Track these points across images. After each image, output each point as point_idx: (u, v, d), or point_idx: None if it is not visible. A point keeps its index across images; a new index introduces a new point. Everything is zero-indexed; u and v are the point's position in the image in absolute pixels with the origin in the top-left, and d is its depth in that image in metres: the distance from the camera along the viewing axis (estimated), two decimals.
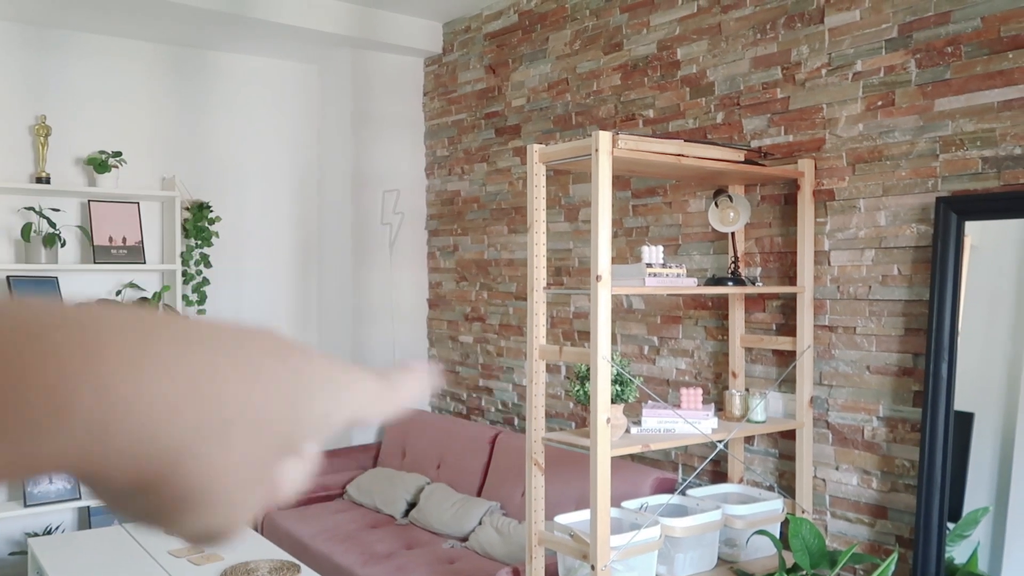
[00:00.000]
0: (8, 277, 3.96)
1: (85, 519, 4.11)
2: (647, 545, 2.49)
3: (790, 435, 2.94)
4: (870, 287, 2.75)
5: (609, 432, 2.36)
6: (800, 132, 2.94)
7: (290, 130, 4.82)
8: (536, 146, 2.58)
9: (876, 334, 2.74)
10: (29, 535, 3.91)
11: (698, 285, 2.75)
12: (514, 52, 4.19)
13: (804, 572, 2.42)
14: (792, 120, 2.97)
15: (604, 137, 2.35)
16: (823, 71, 2.87)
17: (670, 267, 2.61)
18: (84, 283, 4.21)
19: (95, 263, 4.10)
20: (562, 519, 2.57)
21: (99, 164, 4.11)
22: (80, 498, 3.99)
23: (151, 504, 0.29)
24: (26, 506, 3.86)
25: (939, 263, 2.50)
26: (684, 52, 3.35)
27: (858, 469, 2.78)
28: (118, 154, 4.17)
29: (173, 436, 0.27)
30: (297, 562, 2.95)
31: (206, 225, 4.44)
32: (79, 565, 2.97)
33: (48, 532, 4.03)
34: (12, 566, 3.97)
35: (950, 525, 2.50)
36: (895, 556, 2.48)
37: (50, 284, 4.06)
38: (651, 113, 3.48)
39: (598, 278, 2.35)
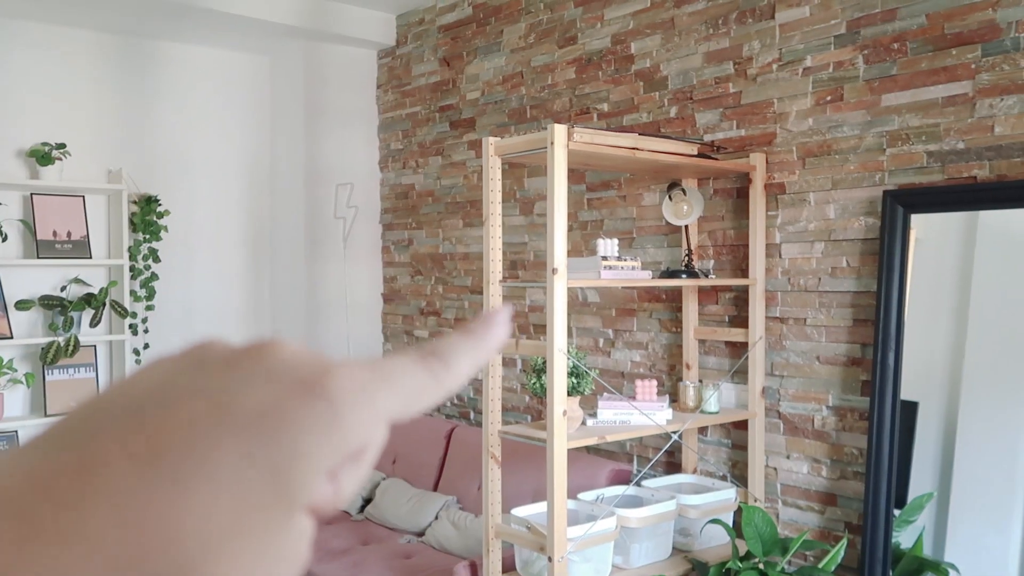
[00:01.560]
0: None
1: None
2: (603, 536, 2.51)
3: (743, 425, 2.99)
4: (820, 279, 2.80)
5: (565, 424, 2.37)
6: (752, 126, 2.98)
7: (241, 123, 4.75)
8: (492, 139, 2.57)
9: (826, 325, 2.79)
10: None
11: (652, 278, 2.78)
12: (468, 45, 4.17)
13: (757, 559, 2.46)
14: (744, 114, 3.01)
15: (560, 130, 2.36)
16: (774, 66, 2.91)
17: (625, 260, 2.62)
18: (27, 279, 4.09)
19: (39, 258, 3.99)
20: (519, 512, 2.58)
21: (42, 156, 4.00)
22: None
23: None
24: None
25: (886, 255, 2.56)
26: (638, 46, 3.37)
27: (808, 458, 2.83)
28: (62, 146, 4.06)
29: None
30: None
31: (154, 219, 4.35)
32: None
33: None
34: None
35: (896, 511, 2.56)
36: (844, 542, 2.54)
37: None
38: (605, 107, 3.50)
39: (554, 271, 2.36)
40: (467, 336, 0.32)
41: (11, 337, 3.90)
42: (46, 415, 3.97)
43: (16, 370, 3.98)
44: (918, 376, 2.58)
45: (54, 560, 0.22)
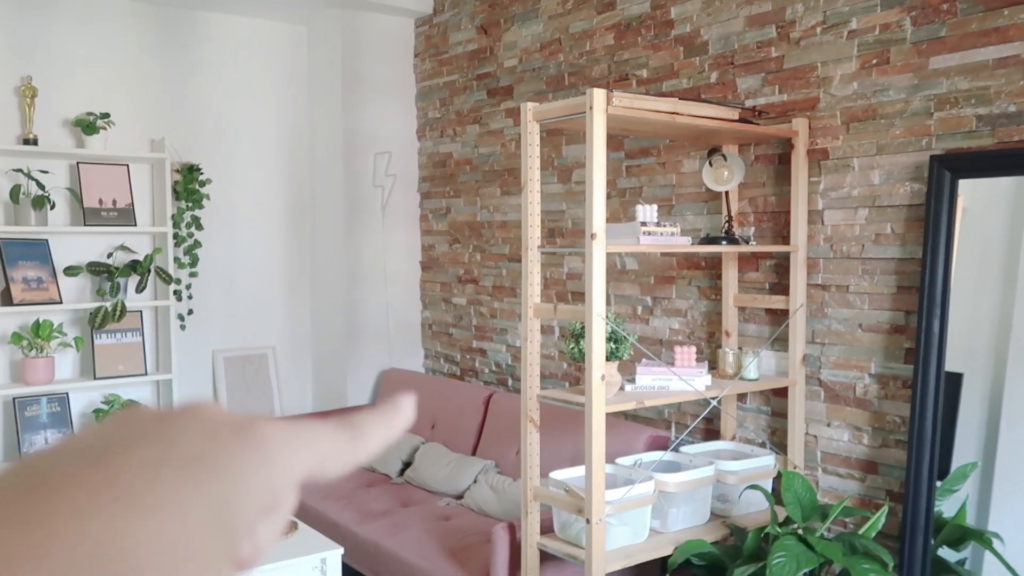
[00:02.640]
0: None
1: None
2: (641, 500, 2.52)
3: (782, 392, 2.97)
4: (863, 246, 2.77)
5: (604, 388, 2.38)
6: (794, 91, 2.94)
7: (280, 92, 4.78)
8: (530, 104, 2.56)
9: (868, 292, 2.76)
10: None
11: (692, 244, 2.76)
12: (506, 12, 4.15)
13: (796, 525, 2.46)
14: (786, 79, 2.96)
15: (599, 95, 2.34)
16: (818, 29, 2.86)
17: (664, 226, 2.61)
18: (75, 245, 4.18)
19: (86, 225, 4.07)
20: (557, 475, 2.60)
21: (87, 126, 4.07)
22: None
23: None
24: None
25: (932, 221, 2.52)
26: (678, 11, 3.32)
27: (849, 425, 2.81)
28: (106, 116, 4.13)
29: None
30: (294, 519, 2.98)
31: (196, 187, 4.41)
32: None
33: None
34: None
35: (938, 482, 2.54)
36: (885, 509, 2.53)
37: (41, 246, 4.03)
38: (645, 73, 3.47)
39: (593, 235, 2.36)
40: (379, 416, 0.35)
41: (60, 302, 3.99)
42: (95, 378, 4.07)
43: (66, 334, 4.09)
44: (963, 347, 2.54)
45: (20, 570, 0.24)
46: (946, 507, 2.55)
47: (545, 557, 2.68)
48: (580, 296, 3.77)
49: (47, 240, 4.06)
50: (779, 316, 3.00)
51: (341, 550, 2.75)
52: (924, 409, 2.49)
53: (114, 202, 4.17)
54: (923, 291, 2.52)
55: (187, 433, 0.30)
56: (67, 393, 4.08)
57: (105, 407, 4.11)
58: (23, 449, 3.90)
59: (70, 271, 4.06)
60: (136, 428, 0.30)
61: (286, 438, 0.31)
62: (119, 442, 0.29)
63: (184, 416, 0.31)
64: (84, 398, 4.22)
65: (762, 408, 3.09)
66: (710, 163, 2.97)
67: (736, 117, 2.76)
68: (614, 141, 3.56)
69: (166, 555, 0.27)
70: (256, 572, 2.57)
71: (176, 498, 0.27)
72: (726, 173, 2.93)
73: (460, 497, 3.58)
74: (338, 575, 2.74)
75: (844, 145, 2.81)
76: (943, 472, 2.53)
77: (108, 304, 4.04)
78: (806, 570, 2.24)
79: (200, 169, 4.44)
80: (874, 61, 2.71)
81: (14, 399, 3.96)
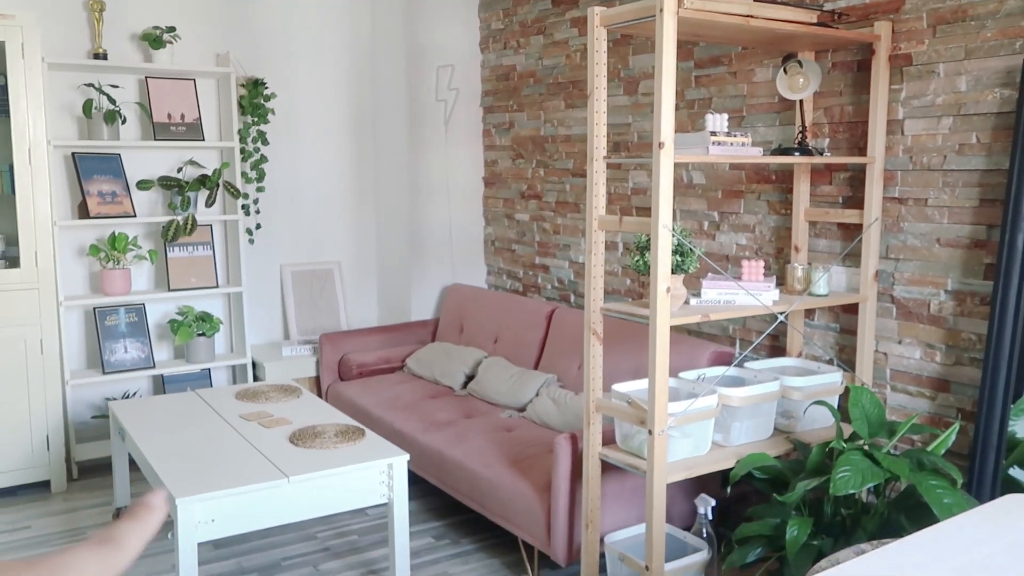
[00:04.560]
0: (74, 153, 4.03)
1: (160, 385, 4.30)
2: (704, 413, 2.52)
3: (852, 309, 2.90)
4: (945, 156, 2.64)
5: (668, 301, 2.35)
6: None
7: (341, 4, 4.72)
8: (597, 8, 2.48)
9: (949, 206, 2.64)
10: (109, 400, 4.12)
11: (763, 155, 2.68)
12: None
13: (862, 441, 2.43)
14: None
15: None
16: None
17: (735, 135, 2.53)
18: (146, 160, 4.26)
19: (156, 139, 4.14)
20: (620, 387, 2.60)
21: (153, 40, 4.09)
22: (154, 366, 4.17)
23: None
24: (104, 373, 4.05)
25: (1022, 129, 2.38)
26: None
27: (922, 343, 2.74)
28: (172, 29, 4.14)
29: None
30: (362, 427, 3.06)
31: (261, 102, 4.43)
32: (156, 425, 3.13)
33: (126, 397, 4.24)
34: (95, 427, 4.21)
35: (1012, 403, 2.46)
36: (956, 427, 2.47)
37: (114, 160, 4.12)
38: None
39: (660, 145, 2.30)
40: (133, 520, 0.37)
41: (134, 216, 4.10)
42: (169, 290, 4.20)
43: (140, 247, 4.21)
44: None
45: None
46: (1019, 427, 2.48)
47: (606, 467, 2.71)
48: (645, 211, 3.71)
49: (119, 155, 4.14)
50: (851, 231, 2.91)
51: (407, 456, 2.82)
52: (1003, 326, 2.40)
53: (182, 117, 4.22)
54: (1008, 204, 2.40)
55: None
56: (143, 304, 4.22)
57: (180, 318, 4.25)
58: (104, 357, 4.08)
59: (142, 185, 4.15)
60: None
61: None
62: None
63: None
64: (159, 309, 4.36)
65: (830, 325, 3.03)
66: (785, 70, 2.85)
67: (814, 20, 2.62)
68: (683, 50, 3.44)
69: None
70: (326, 476, 2.66)
71: None
72: (801, 80, 2.81)
73: (522, 410, 3.63)
74: (404, 481, 2.82)
75: (929, 50, 2.65)
76: (1018, 392, 2.46)
77: (179, 218, 4.13)
78: (871, 484, 2.22)
79: (265, 83, 4.45)
80: None
81: (94, 309, 4.11)
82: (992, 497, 2.42)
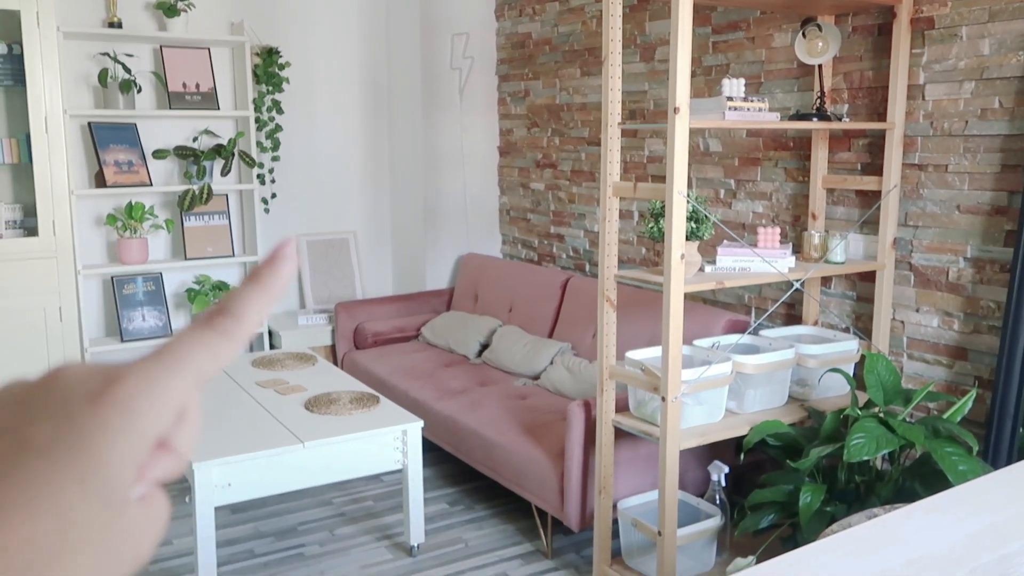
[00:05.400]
0: (90, 123, 4.05)
1: None
2: (718, 380, 2.51)
3: (869, 277, 2.88)
4: (967, 122, 2.60)
5: (683, 268, 2.34)
6: None
7: None
8: None
9: (970, 172, 2.61)
10: None
11: (781, 121, 2.64)
12: None
13: (877, 408, 2.42)
14: None
15: None
16: None
17: (752, 100, 2.50)
18: (161, 129, 4.27)
19: (171, 109, 4.14)
20: (633, 354, 2.60)
21: (168, 8, 4.08)
22: (172, 334, 4.20)
23: None
24: (123, 341, 4.09)
25: None
26: None
27: (939, 311, 2.72)
28: None
29: None
30: (376, 394, 3.08)
31: (276, 71, 4.42)
32: None
33: None
34: None
35: None
36: (973, 394, 2.46)
37: (130, 130, 4.13)
38: None
39: (676, 110, 2.27)
40: (254, 285, 0.34)
41: (151, 185, 4.12)
42: (186, 258, 4.22)
43: (157, 216, 4.23)
44: None
45: None
46: None
47: (619, 434, 2.72)
48: (661, 179, 3.68)
49: (135, 124, 4.15)
50: (870, 198, 2.88)
51: (421, 423, 2.84)
52: (1022, 292, 2.38)
53: (197, 86, 4.22)
54: None
55: (41, 415, 0.29)
56: (161, 273, 4.25)
57: (196, 287, 4.27)
58: (122, 325, 4.11)
59: (158, 154, 4.16)
60: None
61: (148, 384, 0.30)
62: None
63: (44, 389, 0.30)
64: (176, 278, 4.39)
65: (847, 293, 3.01)
66: (804, 34, 2.81)
67: None
68: (700, 15, 3.39)
69: (46, 553, 0.26)
70: (341, 441, 2.68)
71: (45, 494, 0.27)
72: (820, 44, 2.77)
73: (536, 378, 3.63)
74: (418, 447, 2.84)
75: (952, 13, 2.60)
76: None
77: (195, 187, 4.14)
78: (885, 452, 2.21)
79: (279, 52, 4.43)
80: None
81: (112, 278, 4.15)
82: (1008, 464, 2.40)
